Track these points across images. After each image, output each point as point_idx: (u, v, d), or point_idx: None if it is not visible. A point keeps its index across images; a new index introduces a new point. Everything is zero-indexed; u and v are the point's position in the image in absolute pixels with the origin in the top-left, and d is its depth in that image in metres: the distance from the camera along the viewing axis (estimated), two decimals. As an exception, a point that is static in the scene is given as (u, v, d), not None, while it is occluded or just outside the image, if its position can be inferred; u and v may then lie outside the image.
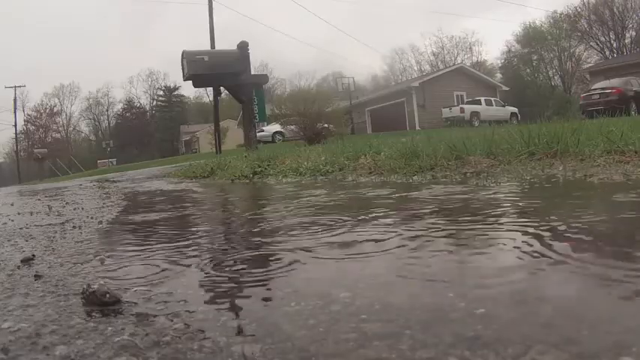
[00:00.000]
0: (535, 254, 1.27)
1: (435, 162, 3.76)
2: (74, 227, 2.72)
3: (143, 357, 0.88)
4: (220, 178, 6.25)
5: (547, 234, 1.46)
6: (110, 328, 1.02)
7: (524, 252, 1.30)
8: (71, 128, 64.54)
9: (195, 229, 2.49)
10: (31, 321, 1.10)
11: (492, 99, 29.13)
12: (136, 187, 6.90)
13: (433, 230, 1.72)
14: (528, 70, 50.05)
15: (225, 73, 12.86)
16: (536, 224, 1.60)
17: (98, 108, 65.11)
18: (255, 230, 2.17)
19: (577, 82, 44.96)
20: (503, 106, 28.97)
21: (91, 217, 3.18)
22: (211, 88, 15.31)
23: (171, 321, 1.05)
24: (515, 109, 29.07)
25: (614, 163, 2.91)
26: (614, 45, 43.61)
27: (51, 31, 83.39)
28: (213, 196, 4.80)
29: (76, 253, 1.94)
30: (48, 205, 4.24)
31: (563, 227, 1.53)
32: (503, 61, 53.26)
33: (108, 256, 1.84)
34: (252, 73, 13.92)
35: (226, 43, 22.92)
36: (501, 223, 1.75)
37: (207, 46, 23.07)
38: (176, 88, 63.72)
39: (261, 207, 3.16)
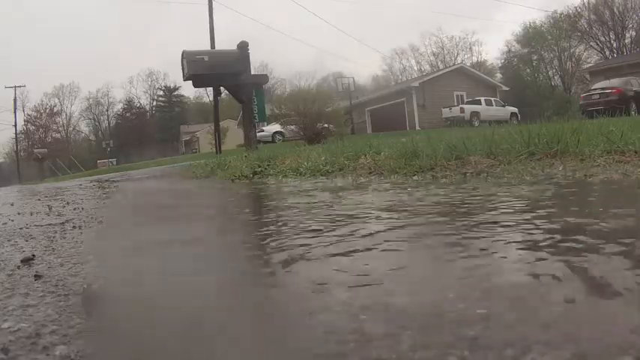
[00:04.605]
0: None
1: (435, 162, 3.75)
2: (74, 227, 2.71)
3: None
4: (220, 178, 6.25)
5: None
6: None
7: None
8: (71, 128, 64.55)
9: (194, 228, 2.49)
10: (31, 321, 1.10)
11: (492, 99, 29.12)
12: (136, 187, 6.90)
13: None
14: (528, 70, 50.04)
15: (225, 73, 12.85)
16: None
17: (98, 108, 65.14)
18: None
19: (577, 82, 44.94)
20: (503, 106, 28.95)
21: (91, 217, 3.18)
22: (211, 88, 15.30)
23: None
24: (515, 109, 29.06)
25: (614, 163, 2.91)
26: (614, 45, 43.60)
27: (51, 31, 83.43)
28: (215, 195, 4.80)
29: (76, 253, 1.94)
30: (48, 205, 4.24)
31: None
32: (503, 61, 53.33)
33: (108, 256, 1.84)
34: (252, 73, 13.91)
35: (227, 43, 22.88)
36: None
37: (207, 46, 23.06)
38: (176, 88, 63.77)
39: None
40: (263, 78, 15.22)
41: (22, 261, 1.80)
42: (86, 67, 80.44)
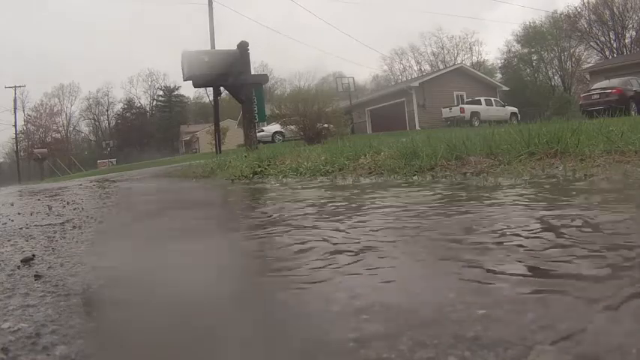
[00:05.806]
0: None
1: (435, 162, 3.75)
2: (74, 227, 2.71)
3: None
4: (220, 178, 6.26)
5: None
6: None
7: None
8: (71, 128, 64.47)
9: (195, 228, 2.49)
10: (31, 321, 1.10)
11: (492, 99, 29.12)
12: (136, 187, 6.90)
13: None
14: (528, 70, 50.01)
15: (225, 73, 12.84)
16: None
17: (98, 108, 65.04)
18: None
19: (577, 82, 44.90)
20: (503, 106, 28.96)
21: (91, 217, 3.18)
22: (211, 88, 15.29)
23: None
24: (515, 109, 29.07)
25: (614, 163, 2.91)
26: (614, 45, 43.57)
27: (51, 30, 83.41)
28: (217, 195, 4.80)
29: (76, 253, 1.94)
30: (48, 205, 4.24)
31: None
32: (503, 61, 53.28)
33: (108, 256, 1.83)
34: (252, 73, 13.90)
35: (227, 43, 22.88)
36: None
37: (207, 46, 23.04)
38: (176, 88, 63.72)
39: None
40: (263, 78, 15.20)
41: (22, 261, 1.80)
42: (86, 67, 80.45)
